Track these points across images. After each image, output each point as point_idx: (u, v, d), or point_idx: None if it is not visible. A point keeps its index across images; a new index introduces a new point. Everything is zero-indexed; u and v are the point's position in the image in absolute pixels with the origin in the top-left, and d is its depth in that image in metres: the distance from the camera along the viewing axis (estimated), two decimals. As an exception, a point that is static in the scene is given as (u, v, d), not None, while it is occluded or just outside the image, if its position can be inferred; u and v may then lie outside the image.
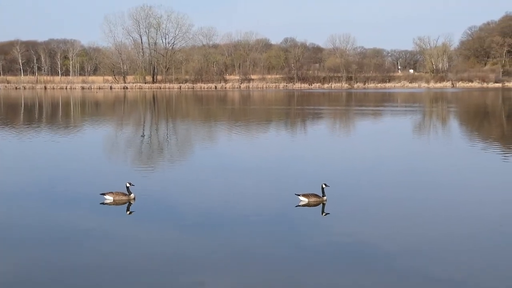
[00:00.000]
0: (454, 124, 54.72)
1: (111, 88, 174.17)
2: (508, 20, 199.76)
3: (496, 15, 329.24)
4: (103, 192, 19.66)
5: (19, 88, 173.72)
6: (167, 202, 19.50)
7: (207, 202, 19.31)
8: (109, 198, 19.40)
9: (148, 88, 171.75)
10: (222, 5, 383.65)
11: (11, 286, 12.23)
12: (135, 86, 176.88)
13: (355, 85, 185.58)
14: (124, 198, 19.48)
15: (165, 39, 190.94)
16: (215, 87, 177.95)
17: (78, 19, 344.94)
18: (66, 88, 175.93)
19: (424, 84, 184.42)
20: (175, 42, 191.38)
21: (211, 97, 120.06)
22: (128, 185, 19.74)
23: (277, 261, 13.54)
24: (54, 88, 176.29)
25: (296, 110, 75.91)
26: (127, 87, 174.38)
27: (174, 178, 24.18)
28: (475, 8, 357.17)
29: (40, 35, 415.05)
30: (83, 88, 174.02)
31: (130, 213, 18.26)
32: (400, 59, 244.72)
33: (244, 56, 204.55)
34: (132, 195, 19.55)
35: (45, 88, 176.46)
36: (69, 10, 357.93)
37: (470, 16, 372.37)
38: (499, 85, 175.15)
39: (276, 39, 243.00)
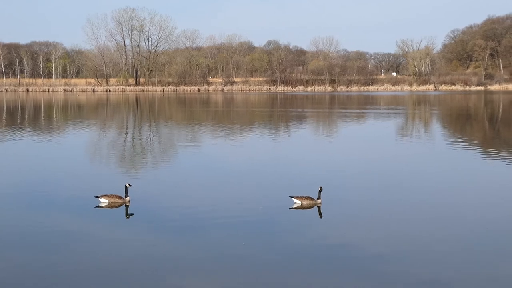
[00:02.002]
0: (438, 127, 54.86)
1: (93, 91, 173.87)
2: (490, 24, 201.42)
3: (478, 19, 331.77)
4: (97, 195, 19.43)
5: (1, 91, 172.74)
6: (155, 205, 19.31)
7: (196, 205, 19.23)
8: (104, 201, 19.18)
9: (131, 91, 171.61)
10: (205, 7, 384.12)
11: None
12: (118, 89, 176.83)
13: (338, 88, 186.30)
14: (120, 201, 19.28)
15: (148, 41, 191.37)
16: (198, 90, 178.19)
17: (60, 21, 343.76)
18: (48, 91, 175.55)
19: (407, 87, 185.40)
20: (158, 45, 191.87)
21: (194, 99, 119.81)
22: (128, 186, 19.54)
23: (266, 264, 13.52)
24: (36, 91, 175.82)
25: (280, 112, 75.83)
26: (110, 90, 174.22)
27: (162, 181, 23.96)
28: (457, 12, 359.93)
29: (22, 38, 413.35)
30: (65, 90, 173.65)
31: (129, 216, 18.05)
32: (383, 62, 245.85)
33: (227, 59, 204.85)
34: (127, 198, 19.37)
35: (27, 90, 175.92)
36: (51, 12, 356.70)
37: (452, 20, 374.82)
38: (481, 88, 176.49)
39: (259, 42, 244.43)
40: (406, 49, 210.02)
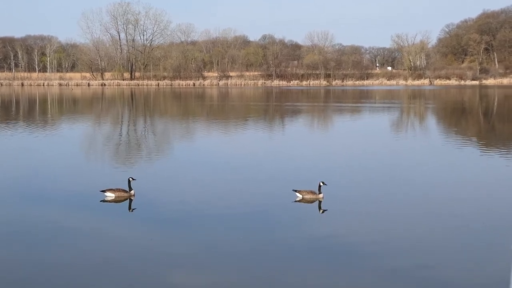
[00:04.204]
0: (433, 121, 55.03)
1: (88, 85, 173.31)
2: (485, 18, 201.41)
3: (473, 13, 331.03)
4: (103, 189, 19.43)
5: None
6: (154, 200, 19.31)
7: (195, 199, 19.26)
8: (110, 195, 19.20)
9: (126, 85, 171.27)
10: (200, 1, 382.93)
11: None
12: (113, 83, 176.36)
13: (333, 82, 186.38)
14: (125, 194, 19.34)
15: (143, 35, 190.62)
16: (194, 84, 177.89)
17: (55, 15, 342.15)
18: (43, 85, 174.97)
19: (402, 82, 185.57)
20: (153, 39, 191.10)
21: (190, 94, 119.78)
22: (131, 179, 19.59)
23: (266, 258, 13.59)
24: (31, 85, 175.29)
25: (276, 106, 75.86)
26: (105, 84, 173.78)
27: (160, 176, 23.95)
28: (452, 6, 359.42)
29: (17, 31, 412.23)
30: (60, 84, 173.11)
31: (132, 210, 18.12)
32: (378, 56, 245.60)
33: (223, 53, 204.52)
34: (132, 192, 19.42)
35: (22, 84, 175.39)
36: (46, 6, 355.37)
37: (447, 14, 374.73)
38: (476, 82, 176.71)
39: (254, 36, 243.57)
40: (401, 43, 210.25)
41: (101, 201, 18.96)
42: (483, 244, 14.51)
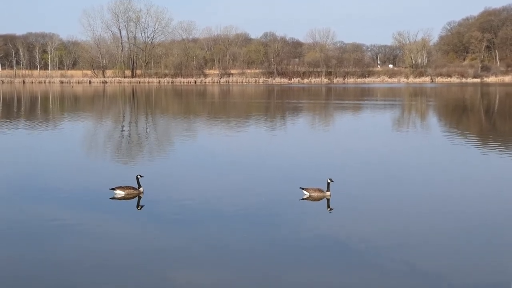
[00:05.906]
0: (434, 119, 55.10)
1: (90, 82, 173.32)
2: (486, 16, 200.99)
3: (475, 11, 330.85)
4: (112, 187, 19.49)
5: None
6: (159, 198, 19.32)
7: (199, 197, 19.31)
8: (120, 193, 19.26)
9: (128, 83, 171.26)
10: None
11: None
12: (114, 80, 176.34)
13: (335, 80, 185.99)
14: (135, 192, 19.43)
15: (145, 33, 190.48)
16: (195, 82, 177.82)
17: (56, 12, 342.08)
18: (44, 82, 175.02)
19: (403, 79, 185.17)
20: (154, 36, 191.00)
21: (191, 91, 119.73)
22: (139, 176, 19.66)
23: (267, 256, 13.70)
24: (32, 82, 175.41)
25: (277, 104, 75.86)
26: (106, 82, 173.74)
27: (164, 174, 23.90)
28: (454, 3, 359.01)
29: (18, 29, 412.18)
30: (62, 82, 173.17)
31: (140, 208, 18.21)
32: (380, 54, 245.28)
33: (224, 51, 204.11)
34: (141, 189, 19.52)
35: (24, 82, 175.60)
36: (47, 3, 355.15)
37: (449, 11, 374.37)
38: (477, 80, 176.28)
39: (255, 34, 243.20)
40: (403, 41, 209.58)
41: (110, 198, 19.07)
42: (485, 243, 14.59)
